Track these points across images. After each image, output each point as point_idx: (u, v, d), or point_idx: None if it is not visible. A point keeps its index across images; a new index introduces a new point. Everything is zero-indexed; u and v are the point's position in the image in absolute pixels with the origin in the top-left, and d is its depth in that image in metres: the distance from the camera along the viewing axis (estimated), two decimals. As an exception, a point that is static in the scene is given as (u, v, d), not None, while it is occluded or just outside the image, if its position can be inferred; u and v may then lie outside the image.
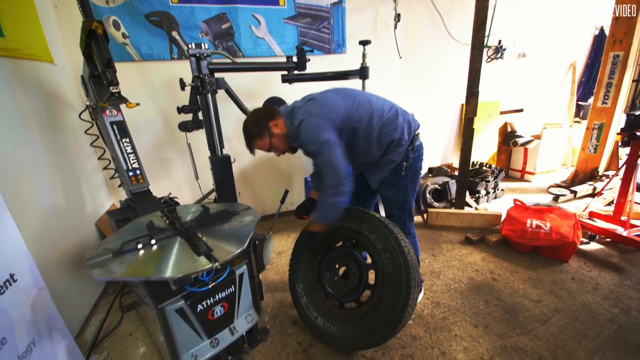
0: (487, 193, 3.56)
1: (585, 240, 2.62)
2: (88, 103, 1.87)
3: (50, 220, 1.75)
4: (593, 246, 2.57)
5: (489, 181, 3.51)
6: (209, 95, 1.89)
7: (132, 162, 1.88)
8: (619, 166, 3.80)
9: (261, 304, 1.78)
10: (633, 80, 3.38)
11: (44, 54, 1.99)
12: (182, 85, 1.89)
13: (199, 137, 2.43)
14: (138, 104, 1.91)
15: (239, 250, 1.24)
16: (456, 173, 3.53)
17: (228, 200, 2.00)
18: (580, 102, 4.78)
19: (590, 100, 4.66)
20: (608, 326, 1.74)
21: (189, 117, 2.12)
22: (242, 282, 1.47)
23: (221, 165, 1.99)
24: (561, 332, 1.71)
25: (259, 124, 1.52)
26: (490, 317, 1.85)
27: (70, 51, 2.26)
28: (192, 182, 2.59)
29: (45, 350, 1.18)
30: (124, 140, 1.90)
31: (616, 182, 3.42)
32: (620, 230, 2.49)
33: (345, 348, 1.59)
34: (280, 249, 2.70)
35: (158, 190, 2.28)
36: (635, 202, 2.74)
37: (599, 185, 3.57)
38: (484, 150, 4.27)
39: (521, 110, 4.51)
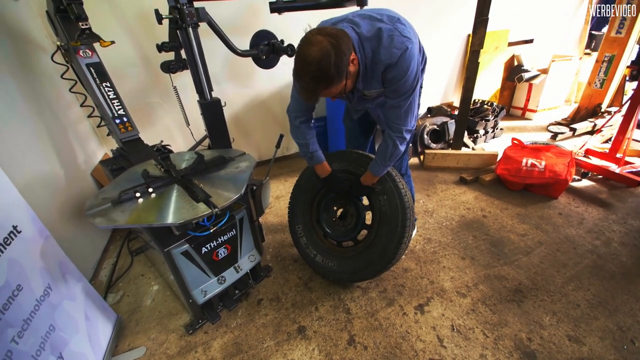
0: (486, 133, 3.51)
1: (577, 177, 2.67)
2: (59, 43, 1.69)
3: (43, 171, 1.73)
4: (584, 183, 2.64)
5: (488, 120, 3.43)
6: (190, 29, 1.70)
7: (117, 108, 1.78)
8: (623, 102, 3.71)
9: (262, 245, 1.88)
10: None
11: (-5, -17, 1.73)
12: (159, 18, 1.69)
13: (186, 79, 2.28)
14: (113, 42, 1.75)
15: (237, 196, 1.25)
16: (456, 112, 3.43)
17: (222, 146, 1.95)
18: (593, 32, 4.44)
19: (604, 30, 4.34)
20: (588, 256, 1.87)
21: (171, 56, 1.95)
22: (243, 226, 1.53)
23: (211, 109, 1.89)
24: (542, 262, 1.85)
25: (341, 59, 1.02)
26: (477, 250, 1.98)
27: (27, -20, 1.96)
28: (184, 129, 2.50)
29: (62, 292, 1.27)
30: (104, 84, 1.77)
31: (617, 119, 3.37)
32: (613, 167, 2.52)
33: (343, 281, 1.72)
34: (279, 194, 2.75)
35: (149, 138, 2.21)
36: (634, 140, 2.73)
37: (599, 122, 3.52)
38: (487, 87, 4.09)
39: (531, 41, 4.21)
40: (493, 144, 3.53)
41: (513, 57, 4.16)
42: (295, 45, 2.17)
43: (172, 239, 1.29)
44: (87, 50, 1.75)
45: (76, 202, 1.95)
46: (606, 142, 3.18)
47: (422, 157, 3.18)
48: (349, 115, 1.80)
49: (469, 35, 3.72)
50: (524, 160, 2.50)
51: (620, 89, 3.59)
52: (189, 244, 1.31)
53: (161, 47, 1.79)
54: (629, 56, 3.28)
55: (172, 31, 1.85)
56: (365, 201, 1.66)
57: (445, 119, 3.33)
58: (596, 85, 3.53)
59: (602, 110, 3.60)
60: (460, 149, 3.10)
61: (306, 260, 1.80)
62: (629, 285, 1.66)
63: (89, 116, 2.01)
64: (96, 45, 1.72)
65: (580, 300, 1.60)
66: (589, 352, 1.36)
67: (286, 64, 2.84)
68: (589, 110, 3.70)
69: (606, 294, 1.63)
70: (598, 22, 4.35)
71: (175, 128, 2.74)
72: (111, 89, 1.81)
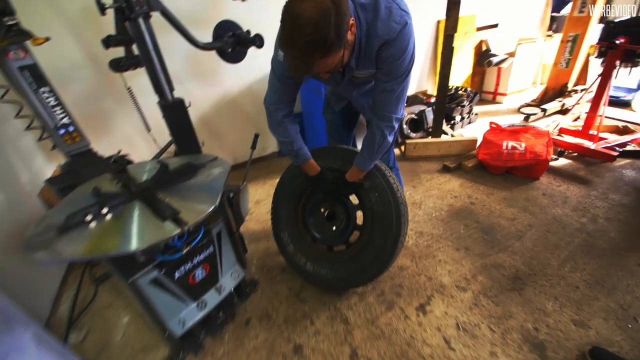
0: (462, 119, 3.50)
1: (554, 156, 2.71)
2: (-21, 43, 1.41)
3: (-28, 197, 1.44)
4: (561, 162, 2.68)
5: (464, 106, 3.43)
6: (141, 20, 1.48)
7: (59, 116, 1.53)
8: (589, 81, 3.85)
9: (245, 257, 1.70)
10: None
11: None
12: (101, 7, 1.45)
13: (143, 80, 2.03)
14: (48, 39, 1.50)
15: (212, 208, 1.07)
16: (432, 100, 3.39)
17: (190, 152, 1.74)
18: (553, 14, 4.58)
19: (564, 11, 4.49)
20: (577, 235, 1.86)
21: (121, 52, 1.70)
22: (221, 240, 1.35)
23: (174, 111, 1.68)
24: (535, 246, 1.82)
25: (342, 20, 0.84)
26: (470, 239, 1.92)
27: None
28: (147, 136, 2.25)
29: (6, 344, 1.03)
30: (42, 90, 1.52)
31: (585, 97, 3.48)
32: (588, 144, 2.57)
33: (337, 288, 1.59)
34: (258, 198, 2.57)
35: (105, 148, 1.95)
36: (606, 117, 2.80)
37: (567, 101, 3.62)
38: (459, 73, 4.10)
39: (496, 26, 4.26)
40: (470, 129, 3.54)
41: (481, 42, 4.20)
42: (264, 35, 2.00)
43: (136, 267, 1.09)
44: (19, 51, 1.48)
45: (23, 230, 1.66)
46: (576, 120, 3.27)
47: (403, 147, 3.11)
48: (330, 107, 1.66)
49: (438, 22, 3.69)
50: (505, 144, 2.49)
51: (585, 68, 3.71)
52: (158, 270, 1.11)
53: (108, 42, 1.54)
54: (591, 35, 3.38)
55: (120, 23, 1.60)
56: (355, 200, 1.53)
57: (422, 107, 3.28)
58: (562, 65, 3.63)
59: (569, 89, 3.71)
60: (440, 136, 3.06)
61: (295, 270, 1.65)
62: (621, 261, 1.66)
63: (27, 128, 1.72)
64: (31, 44, 1.46)
65: (578, 282, 1.57)
66: (596, 336, 1.32)
67: (254, 57, 2.65)
68: (556, 90, 3.80)
69: (601, 272, 1.61)
70: (558, 4, 4.49)
71: (136, 136, 2.47)
72: (51, 95, 1.55)
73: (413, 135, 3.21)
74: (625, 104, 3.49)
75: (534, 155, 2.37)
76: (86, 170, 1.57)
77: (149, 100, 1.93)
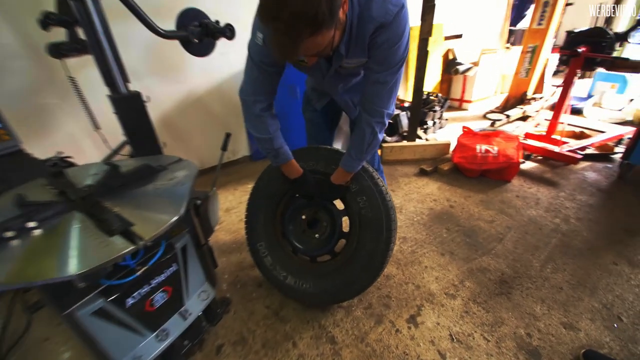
0: (434, 123, 3.55)
1: (522, 160, 2.80)
2: None
3: None
4: (528, 165, 2.77)
5: (436, 111, 3.48)
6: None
7: (-23, 109, 1.24)
8: (546, 90, 4.11)
9: (215, 273, 1.49)
10: (566, 4, 3.45)
11: None
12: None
13: (90, 71, 1.75)
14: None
15: (175, 218, 0.88)
16: (405, 105, 3.40)
17: (149, 153, 1.52)
18: (511, 27, 4.89)
19: (520, 25, 4.81)
20: (553, 236, 1.89)
21: (62, 35, 1.45)
22: (187, 256, 1.14)
23: (128, 105, 1.44)
24: (516, 247, 1.81)
25: None
26: (453, 243, 1.87)
27: None
28: (97, 137, 1.95)
29: None
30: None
31: (542, 105, 3.70)
32: (553, 148, 2.68)
33: (323, 303, 1.44)
34: (228, 206, 2.35)
35: (44, 151, 1.64)
36: (570, 124, 2.96)
37: (527, 108, 3.82)
38: (429, 79, 4.19)
39: (460, 36, 4.44)
40: (440, 134, 3.59)
41: (448, 50, 4.35)
42: (235, 26, 1.83)
43: (75, 295, 0.86)
44: None
45: None
46: (536, 126, 3.45)
47: (380, 151, 3.06)
48: (310, 105, 1.52)
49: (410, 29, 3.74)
50: (478, 147, 2.53)
51: (542, 78, 3.96)
52: (103, 298, 0.89)
53: (45, 21, 1.29)
54: (549, 46, 3.61)
55: (62, 3, 1.36)
56: (340, 205, 1.40)
57: (396, 111, 3.27)
58: (522, 75, 3.83)
59: (528, 97, 3.93)
60: (414, 140, 3.05)
61: (274, 284, 1.47)
62: (598, 260, 1.69)
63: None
64: None
65: (561, 283, 1.57)
66: (586, 338, 1.30)
67: (224, 53, 2.46)
68: (517, 98, 4.01)
69: (581, 272, 1.62)
70: (515, 18, 4.81)
71: (85, 137, 2.15)
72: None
73: (388, 139, 3.18)
74: (578, 112, 3.76)
75: (506, 158, 2.42)
76: (15, 174, 1.28)
77: (101, 96, 1.66)
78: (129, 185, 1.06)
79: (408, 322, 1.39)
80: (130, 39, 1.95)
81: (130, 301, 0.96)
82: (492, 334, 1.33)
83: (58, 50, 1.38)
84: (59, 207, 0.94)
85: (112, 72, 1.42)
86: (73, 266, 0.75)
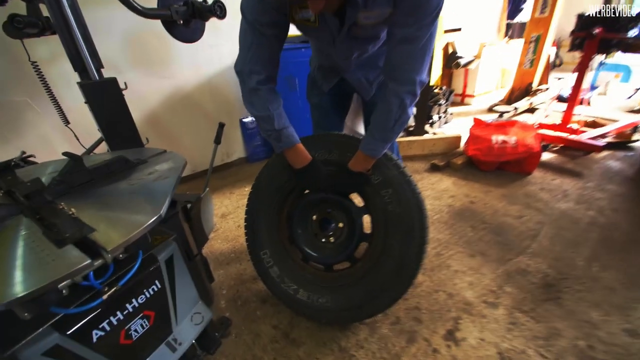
0: (439, 118, 3.38)
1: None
2: None
3: None
4: (546, 156, 2.59)
5: (441, 105, 3.31)
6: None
7: None
8: (551, 81, 3.97)
9: (212, 289, 1.25)
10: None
11: None
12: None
13: (65, 63, 1.52)
14: None
15: (152, 220, 0.65)
16: (409, 99, 3.22)
17: (128, 147, 1.28)
18: (508, 21, 4.79)
19: (518, 19, 4.71)
20: (592, 230, 1.69)
21: (22, 11, 1.22)
22: (174, 270, 0.90)
23: (102, 92, 1.21)
24: (554, 245, 1.60)
25: None
26: (482, 242, 1.66)
27: None
28: (71, 137, 1.70)
29: None
30: None
31: (552, 95, 3.55)
32: (572, 137, 2.51)
33: (342, 321, 1.20)
34: (224, 211, 2.10)
35: (13, 153, 1.40)
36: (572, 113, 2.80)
37: (534, 99, 3.67)
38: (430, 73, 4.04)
39: (459, 30, 4.31)
40: (447, 128, 3.42)
41: (448, 44, 4.20)
42: (226, 3, 1.62)
43: (19, 329, 0.62)
44: None
45: None
46: (546, 117, 3.29)
47: (385, 147, 2.86)
48: (316, 87, 1.31)
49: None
50: (494, 138, 2.33)
51: (547, 68, 3.83)
52: (58, 332, 0.65)
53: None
54: (552, 35, 3.48)
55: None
56: (358, 201, 1.17)
57: (400, 105, 3.08)
58: (526, 66, 3.70)
59: (534, 88, 3.79)
60: (422, 135, 2.86)
61: (282, 300, 1.23)
62: (648, 254, 1.49)
63: None
64: None
65: (612, 282, 1.36)
66: (661, 349, 1.08)
67: (214, 45, 2.26)
68: (522, 90, 3.87)
69: (631, 269, 1.42)
70: (512, 12, 4.71)
71: (58, 137, 1.89)
72: None
73: (393, 135, 2.98)
74: (581, 102, 3.63)
75: (526, 147, 2.23)
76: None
77: (76, 92, 1.41)
78: (98, 181, 0.83)
79: (446, 339, 1.16)
80: (107, 26, 1.74)
81: (97, 334, 0.71)
82: (549, 348, 1.10)
83: (14, 25, 1.14)
84: (2, 210, 0.70)
85: (81, 54, 1.19)
86: (12, 289, 0.51)
